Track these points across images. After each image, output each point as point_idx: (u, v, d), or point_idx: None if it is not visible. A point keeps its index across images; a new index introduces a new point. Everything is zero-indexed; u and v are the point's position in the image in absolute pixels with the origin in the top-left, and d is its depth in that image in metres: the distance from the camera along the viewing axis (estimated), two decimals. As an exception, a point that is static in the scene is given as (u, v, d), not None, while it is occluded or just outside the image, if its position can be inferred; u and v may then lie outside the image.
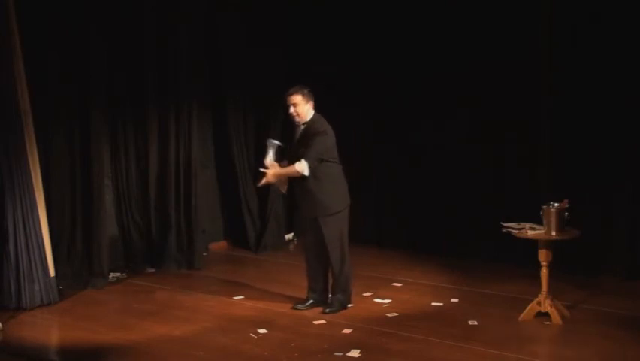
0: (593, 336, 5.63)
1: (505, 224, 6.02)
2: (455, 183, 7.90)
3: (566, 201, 5.81)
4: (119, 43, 7.49)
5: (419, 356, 5.30)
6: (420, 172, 8.12)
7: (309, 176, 5.97)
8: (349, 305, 6.26)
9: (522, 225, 5.97)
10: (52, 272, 6.51)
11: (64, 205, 7.06)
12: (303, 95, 6.05)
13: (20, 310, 6.30)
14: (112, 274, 7.39)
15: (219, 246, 8.72)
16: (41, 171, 6.54)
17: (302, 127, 6.11)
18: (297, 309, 6.27)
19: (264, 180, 6.12)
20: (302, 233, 6.55)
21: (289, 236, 8.97)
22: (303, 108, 6.05)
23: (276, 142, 6.22)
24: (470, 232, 7.83)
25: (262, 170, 6.14)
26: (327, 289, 6.31)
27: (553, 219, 5.73)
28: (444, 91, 7.92)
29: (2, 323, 5.97)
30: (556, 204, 5.78)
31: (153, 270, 7.75)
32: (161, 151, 7.83)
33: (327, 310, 6.14)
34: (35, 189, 6.41)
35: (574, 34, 7.11)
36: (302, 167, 5.96)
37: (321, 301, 6.27)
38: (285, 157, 6.22)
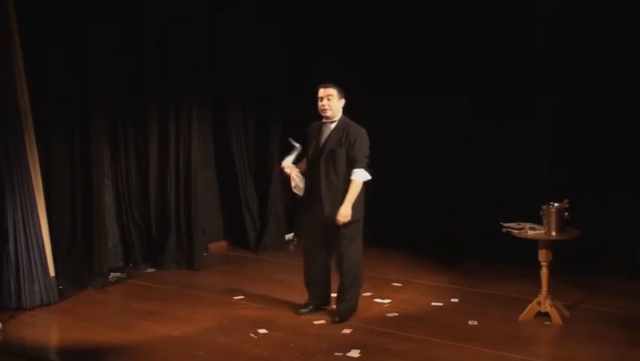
0: (593, 336, 5.62)
1: (505, 224, 6.02)
2: (455, 183, 7.90)
3: (565, 201, 5.81)
4: (119, 44, 7.49)
5: (419, 356, 5.29)
6: (420, 172, 8.12)
7: (341, 179, 5.76)
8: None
9: (522, 225, 5.97)
10: (52, 272, 6.51)
11: (64, 205, 7.06)
12: (338, 90, 5.83)
13: (20, 310, 6.29)
14: (112, 274, 7.39)
15: (219, 246, 8.72)
16: (41, 171, 6.54)
17: (330, 125, 5.85)
18: (299, 314, 6.12)
19: (342, 220, 5.73)
20: (309, 238, 6.11)
21: (289, 236, 8.97)
22: (336, 103, 5.81)
23: (299, 146, 5.98)
24: (470, 232, 7.84)
25: (286, 170, 5.94)
26: (330, 293, 6.20)
27: (553, 219, 5.73)
28: (444, 91, 7.93)
29: (2, 323, 5.96)
30: (556, 204, 5.78)
31: (153, 270, 7.75)
32: (161, 151, 7.84)
33: (337, 318, 5.97)
34: (35, 189, 6.41)
35: (574, 34, 7.12)
36: (362, 175, 5.75)
37: (323, 306, 6.16)
38: (305, 156, 6.01)
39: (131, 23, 7.59)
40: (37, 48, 6.66)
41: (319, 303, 6.19)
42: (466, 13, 7.72)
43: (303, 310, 6.16)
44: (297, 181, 5.93)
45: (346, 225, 5.81)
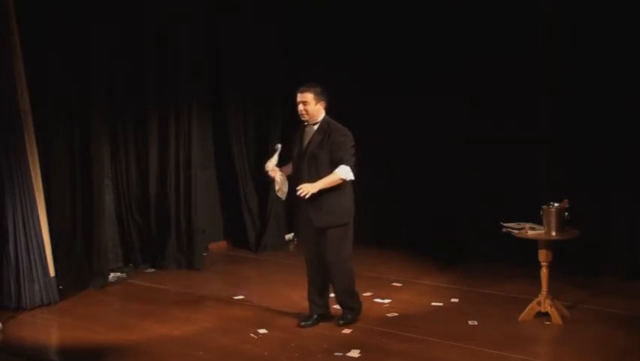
0: (593, 336, 5.62)
1: (505, 224, 6.02)
2: (455, 183, 7.90)
3: (566, 201, 5.81)
4: (119, 44, 7.49)
5: (419, 356, 5.29)
6: (420, 172, 8.12)
7: None
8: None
9: (522, 225, 5.97)
10: (52, 272, 6.51)
11: (64, 205, 7.05)
12: (315, 93, 5.65)
13: (20, 310, 6.30)
14: (112, 274, 7.39)
15: (219, 246, 8.72)
16: (41, 171, 6.54)
17: (313, 127, 5.72)
18: (303, 327, 5.87)
19: (303, 190, 5.50)
20: (305, 245, 6.04)
21: (289, 236, 8.97)
22: (313, 108, 5.65)
23: (279, 145, 5.92)
24: (470, 232, 7.84)
25: (270, 174, 5.81)
26: (328, 299, 6.07)
27: (553, 219, 5.73)
28: (444, 91, 7.92)
29: (2, 323, 5.96)
30: (556, 204, 5.78)
31: (153, 270, 7.76)
32: (161, 151, 7.84)
33: (342, 321, 5.90)
34: (35, 189, 6.41)
35: (574, 34, 7.12)
36: (345, 171, 5.56)
37: (326, 315, 6.00)
38: (291, 160, 5.91)
39: (131, 23, 7.60)
40: (37, 48, 6.66)
41: (321, 312, 5.99)
42: (466, 13, 7.71)
43: (305, 322, 5.93)
44: (280, 185, 5.80)
45: (340, 227, 5.72)
